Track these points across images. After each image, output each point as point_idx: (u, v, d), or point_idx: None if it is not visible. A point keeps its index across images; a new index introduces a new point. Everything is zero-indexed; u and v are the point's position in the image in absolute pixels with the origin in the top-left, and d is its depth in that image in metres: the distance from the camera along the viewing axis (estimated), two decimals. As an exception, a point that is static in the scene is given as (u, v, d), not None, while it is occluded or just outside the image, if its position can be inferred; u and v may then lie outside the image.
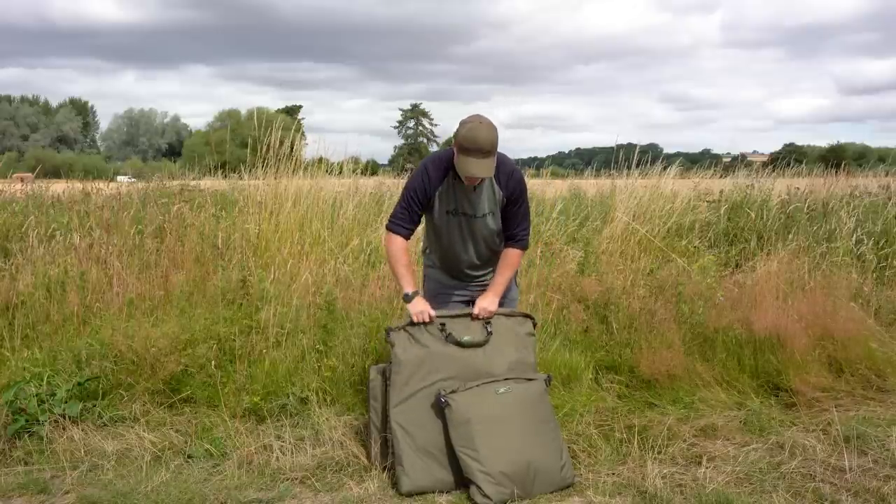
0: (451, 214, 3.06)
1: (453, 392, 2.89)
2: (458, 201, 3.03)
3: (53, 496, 2.84)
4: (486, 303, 3.09)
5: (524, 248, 3.17)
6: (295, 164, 5.53)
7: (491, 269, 3.24)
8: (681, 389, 3.83)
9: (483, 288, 3.24)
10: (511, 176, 3.02)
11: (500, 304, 3.21)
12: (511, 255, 3.13)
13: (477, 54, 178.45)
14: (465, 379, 2.97)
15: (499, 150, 2.93)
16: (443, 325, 3.05)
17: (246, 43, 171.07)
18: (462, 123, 2.87)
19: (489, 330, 3.09)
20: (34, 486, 2.89)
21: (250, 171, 5.75)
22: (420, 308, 3.00)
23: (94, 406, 3.46)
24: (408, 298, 3.02)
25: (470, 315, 3.12)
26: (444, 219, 3.07)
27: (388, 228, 3.09)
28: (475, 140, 2.79)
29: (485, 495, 2.74)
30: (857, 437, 3.32)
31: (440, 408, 2.89)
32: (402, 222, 3.06)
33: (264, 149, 5.42)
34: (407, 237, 3.08)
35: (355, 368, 3.78)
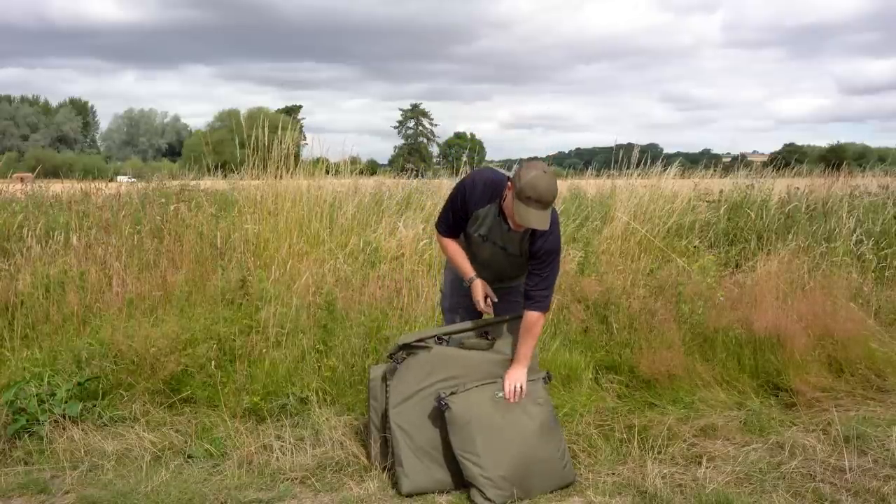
0: (483, 239, 3.03)
1: (452, 394, 2.88)
2: (493, 232, 2.99)
3: (53, 496, 2.84)
4: (515, 377, 2.95)
5: (543, 310, 2.97)
6: (288, 162, 5.52)
7: (511, 286, 3.16)
8: (681, 389, 3.83)
9: (497, 291, 3.17)
10: (548, 236, 2.89)
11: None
12: (531, 322, 2.95)
13: (478, 54, 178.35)
14: (464, 379, 2.97)
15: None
16: (441, 338, 3.05)
17: (246, 43, 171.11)
18: (525, 169, 2.74)
19: (490, 338, 3.09)
20: (34, 486, 2.89)
21: (241, 170, 5.75)
22: (479, 295, 3.01)
23: (94, 406, 3.45)
24: (468, 283, 3.04)
25: (474, 329, 3.10)
26: (477, 239, 3.04)
27: (439, 231, 3.12)
28: (537, 189, 2.67)
29: (486, 498, 2.74)
30: (857, 437, 3.32)
31: (440, 411, 2.89)
32: (448, 229, 3.08)
33: (254, 148, 5.42)
34: (458, 235, 3.10)
35: (355, 368, 3.78)
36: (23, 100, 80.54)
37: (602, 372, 4.00)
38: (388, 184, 8.76)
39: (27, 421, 3.24)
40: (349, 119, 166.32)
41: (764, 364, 4.05)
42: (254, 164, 5.51)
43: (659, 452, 3.20)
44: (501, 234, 2.97)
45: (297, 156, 5.73)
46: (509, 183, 2.82)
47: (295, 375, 3.69)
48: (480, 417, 2.85)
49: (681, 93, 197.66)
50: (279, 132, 5.51)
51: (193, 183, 8.29)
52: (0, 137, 72.08)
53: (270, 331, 3.93)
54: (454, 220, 3.04)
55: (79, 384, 3.46)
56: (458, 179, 3.40)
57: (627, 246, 5.76)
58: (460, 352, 3.03)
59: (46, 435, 3.21)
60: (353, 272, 4.76)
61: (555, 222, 2.88)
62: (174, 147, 77.95)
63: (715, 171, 9.17)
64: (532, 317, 2.95)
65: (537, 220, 2.72)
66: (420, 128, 78.62)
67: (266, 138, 5.43)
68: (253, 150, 5.47)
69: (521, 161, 2.99)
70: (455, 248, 3.09)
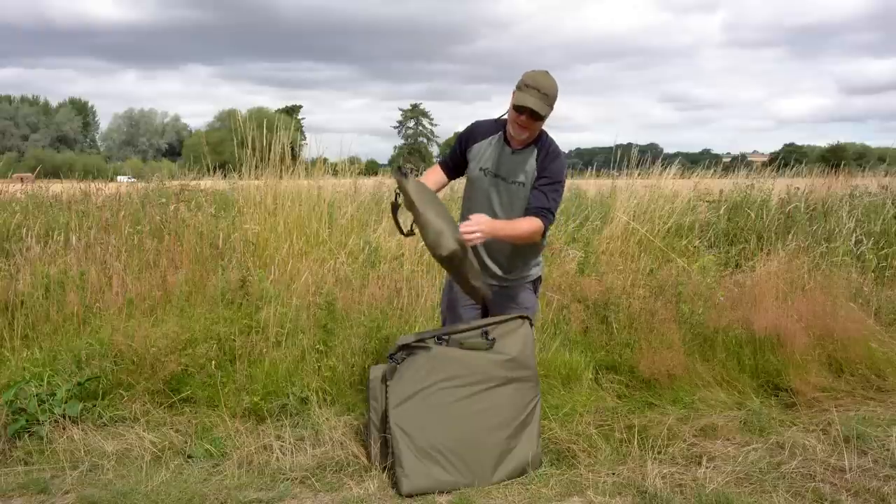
0: (485, 173, 3.05)
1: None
2: (496, 162, 3.04)
3: (53, 496, 2.84)
4: (480, 219, 2.79)
5: (543, 223, 2.95)
6: (285, 162, 5.52)
7: (512, 271, 3.15)
8: (681, 389, 3.83)
9: (499, 290, 3.17)
10: (553, 158, 3.01)
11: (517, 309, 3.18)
12: (526, 220, 2.95)
13: (477, 54, 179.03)
14: (464, 379, 2.97)
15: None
16: (441, 338, 3.05)
17: (246, 43, 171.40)
18: (525, 73, 2.94)
19: (490, 338, 3.09)
20: (34, 486, 2.89)
21: (240, 170, 5.74)
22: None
23: (94, 406, 3.45)
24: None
25: (473, 329, 3.08)
26: (477, 175, 3.07)
27: (436, 162, 3.28)
28: (535, 80, 2.86)
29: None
30: (857, 437, 3.32)
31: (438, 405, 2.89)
32: (444, 164, 3.21)
33: (250, 148, 5.42)
34: (444, 173, 3.19)
35: (355, 368, 3.78)
36: (23, 100, 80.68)
37: (602, 372, 4.00)
38: (388, 184, 8.77)
39: (27, 421, 3.24)
40: (349, 119, 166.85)
41: (764, 364, 4.05)
42: (253, 164, 5.51)
43: (659, 452, 3.20)
44: (505, 159, 3.03)
45: (294, 156, 5.72)
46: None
47: (295, 375, 3.69)
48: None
49: (680, 93, 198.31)
50: (276, 132, 5.51)
51: (193, 183, 8.28)
52: (0, 137, 72.08)
53: (270, 331, 3.93)
54: (451, 156, 3.17)
55: (79, 384, 3.46)
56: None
57: (627, 246, 5.76)
58: (460, 352, 3.03)
59: (46, 435, 3.21)
60: (353, 272, 4.76)
61: (552, 145, 3.03)
62: (174, 147, 78.06)
63: (715, 171, 9.16)
64: (532, 218, 2.94)
65: (534, 103, 2.83)
66: (420, 128, 78.75)
67: (263, 138, 5.43)
68: (252, 150, 5.47)
69: None
70: (433, 173, 3.18)
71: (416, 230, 2.85)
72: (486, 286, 2.99)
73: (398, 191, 2.82)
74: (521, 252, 3.12)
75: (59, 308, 4.15)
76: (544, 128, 3.05)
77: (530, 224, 2.93)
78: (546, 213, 2.97)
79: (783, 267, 5.04)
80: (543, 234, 3.05)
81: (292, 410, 3.50)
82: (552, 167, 3.00)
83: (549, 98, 2.87)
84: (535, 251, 3.20)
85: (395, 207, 2.97)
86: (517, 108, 2.87)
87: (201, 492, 2.82)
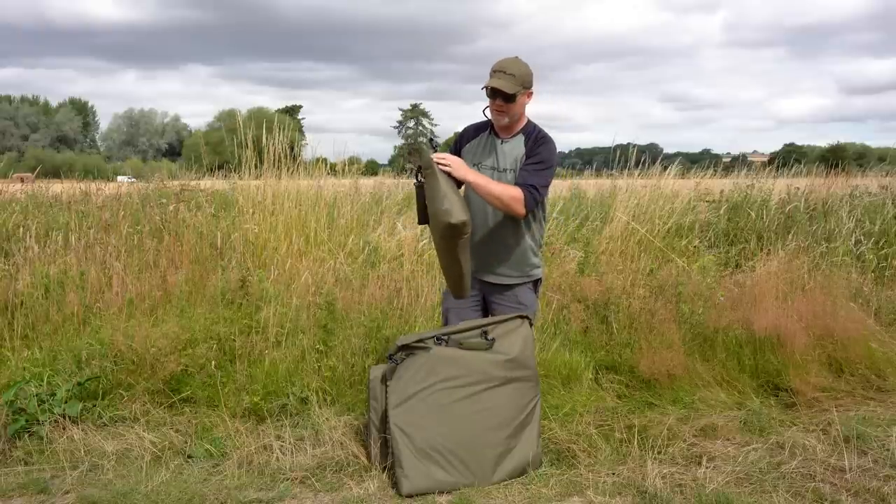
0: (479, 167, 3.10)
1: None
2: (489, 155, 3.12)
3: (53, 496, 2.84)
4: (454, 158, 2.93)
5: (523, 193, 2.92)
6: (283, 162, 5.52)
7: (506, 265, 3.14)
8: (681, 389, 3.83)
9: (497, 289, 3.18)
10: (541, 143, 3.07)
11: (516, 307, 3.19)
12: (510, 187, 2.94)
13: (477, 54, 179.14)
14: (464, 379, 2.97)
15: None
16: (441, 339, 3.04)
17: (246, 43, 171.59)
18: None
19: (489, 338, 3.09)
20: (34, 486, 2.89)
21: (240, 170, 5.74)
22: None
23: (94, 406, 3.45)
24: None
25: (473, 328, 3.08)
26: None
27: None
28: (501, 64, 2.98)
29: None
30: (857, 437, 3.32)
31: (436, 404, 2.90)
32: None
33: (250, 148, 5.43)
34: None
35: (355, 368, 3.78)
36: (23, 100, 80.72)
37: (602, 372, 4.00)
38: (387, 184, 8.78)
39: (27, 421, 3.24)
40: (349, 119, 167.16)
41: (764, 364, 4.05)
42: (252, 164, 5.51)
43: (659, 452, 3.20)
44: (496, 150, 3.11)
45: (293, 156, 5.72)
46: None
47: (295, 375, 3.69)
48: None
49: (680, 93, 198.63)
50: (274, 131, 5.51)
51: (193, 183, 8.28)
52: (0, 137, 72.10)
53: (270, 331, 3.93)
54: None
55: (79, 384, 3.46)
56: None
57: (627, 246, 5.76)
58: (459, 352, 3.03)
59: (46, 435, 3.21)
60: (353, 272, 4.76)
61: (541, 132, 3.09)
62: (174, 147, 78.08)
63: (715, 171, 9.16)
64: (514, 187, 2.94)
65: (500, 83, 2.93)
66: (420, 128, 78.72)
67: (263, 138, 5.44)
68: (251, 150, 5.47)
69: None
70: None
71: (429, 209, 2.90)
72: (470, 284, 3.06)
73: (421, 172, 2.87)
74: (520, 245, 3.13)
75: (59, 308, 4.15)
76: (537, 121, 3.13)
77: (507, 188, 2.93)
78: (529, 188, 2.94)
79: (783, 267, 5.04)
80: (527, 210, 2.96)
81: (292, 410, 3.50)
82: (540, 150, 3.06)
83: (518, 78, 2.96)
84: (535, 247, 3.20)
85: (419, 188, 2.95)
86: (489, 94, 3.00)
87: (201, 492, 2.82)
